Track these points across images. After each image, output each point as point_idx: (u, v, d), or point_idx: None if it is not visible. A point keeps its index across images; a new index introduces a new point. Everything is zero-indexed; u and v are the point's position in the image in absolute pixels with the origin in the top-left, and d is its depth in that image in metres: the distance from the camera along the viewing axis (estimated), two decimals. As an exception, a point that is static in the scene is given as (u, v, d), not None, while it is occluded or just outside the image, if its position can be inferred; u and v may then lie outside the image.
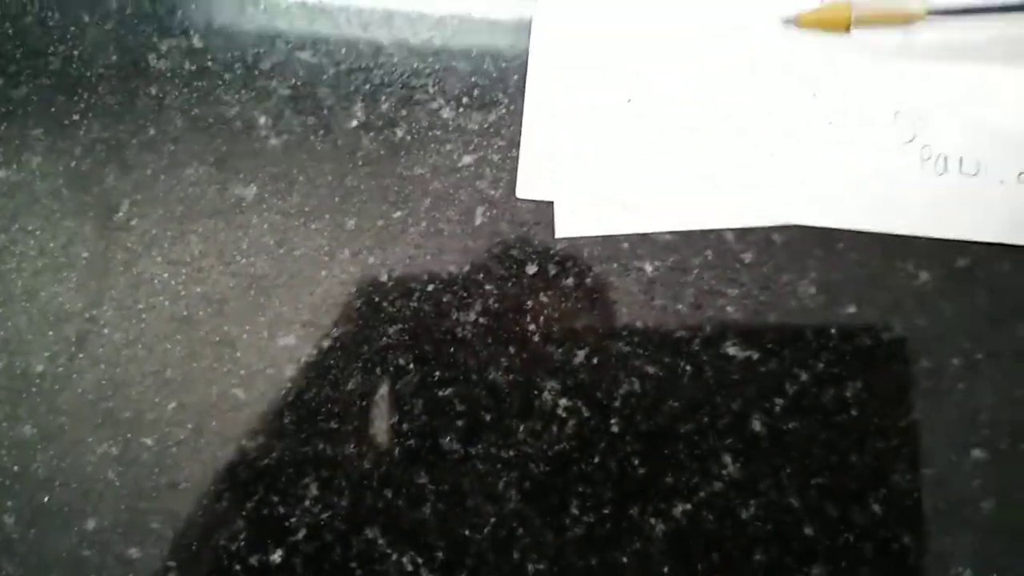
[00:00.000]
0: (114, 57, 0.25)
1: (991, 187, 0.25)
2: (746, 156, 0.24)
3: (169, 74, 0.25)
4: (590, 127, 0.25)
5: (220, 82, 0.25)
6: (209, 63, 0.25)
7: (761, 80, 0.25)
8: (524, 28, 0.24)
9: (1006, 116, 0.25)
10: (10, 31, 0.25)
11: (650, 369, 0.24)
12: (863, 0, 0.24)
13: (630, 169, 0.24)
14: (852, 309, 0.24)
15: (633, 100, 0.24)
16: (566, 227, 0.24)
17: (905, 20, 0.24)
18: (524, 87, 0.24)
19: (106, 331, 0.24)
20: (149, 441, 0.24)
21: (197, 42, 0.25)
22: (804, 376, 0.24)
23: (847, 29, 0.24)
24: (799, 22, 0.24)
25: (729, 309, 0.24)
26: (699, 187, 0.24)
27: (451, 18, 0.25)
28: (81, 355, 0.24)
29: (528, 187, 0.24)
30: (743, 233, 0.24)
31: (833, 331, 0.24)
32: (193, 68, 0.25)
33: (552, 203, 0.24)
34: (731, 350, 0.24)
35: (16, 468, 0.24)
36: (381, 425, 0.24)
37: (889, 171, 0.24)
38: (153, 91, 0.24)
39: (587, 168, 0.24)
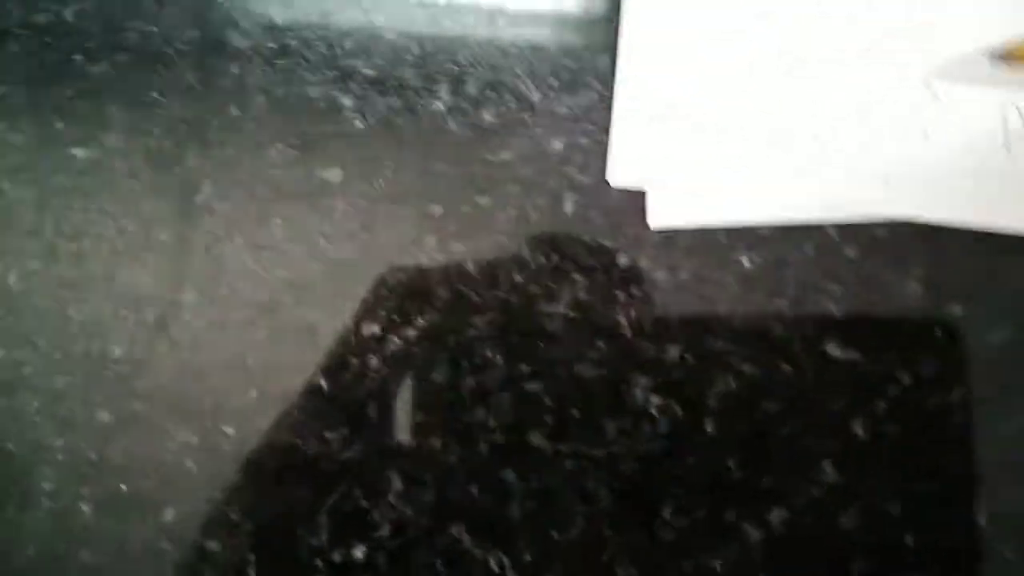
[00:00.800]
0: (194, 33, 0.24)
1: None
2: (851, 147, 0.23)
3: (250, 52, 0.24)
4: (685, 113, 0.24)
5: (303, 61, 0.24)
6: (291, 41, 0.24)
7: (870, 70, 0.23)
8: (616, 10, 0.23)
9: None
10: (87, 6, 0.24)
11: (747, 368, 0.23)
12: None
13: (727, 156, 0.23)
14: (958, 310, 0.23)
15: (731, 86, 0.23)
16: (659, 217, 0.23)
17: None
18: (615, 70, 0.23)
19: (186, 316, 0.24)
20: (229, 430, 0.23)
21: (279, 19, 0.24)
22: (907, 379, 0.23)
23: None
24: (1007, 56, 0.22)
25: (831, 307, 0.23)
26: (801, 177, 0.23)
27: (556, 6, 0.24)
28: (160, 340, 0.24)
29: (620, 174, 0.24)
30: (846, 227, 0.23)
31: (938, 332, 0.23)
32: (275, 46, 0.24)
33: (645, 192, 0.23)
34: (832, 350, 0.23)
35: (92, 455, 0.23)
36: (466, 419, 0.23)
37: (1001, 165, 0.23)
38: (234, 69, 0.24)
39: (681, 155, 0.24)
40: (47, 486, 0.24)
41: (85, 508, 0.24)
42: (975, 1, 0.24)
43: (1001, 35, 0.23)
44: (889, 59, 0.24)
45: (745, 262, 0.23)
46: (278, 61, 0.24)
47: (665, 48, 0.24)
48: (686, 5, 0.24)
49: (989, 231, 0.23)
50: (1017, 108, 0.24)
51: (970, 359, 0.23)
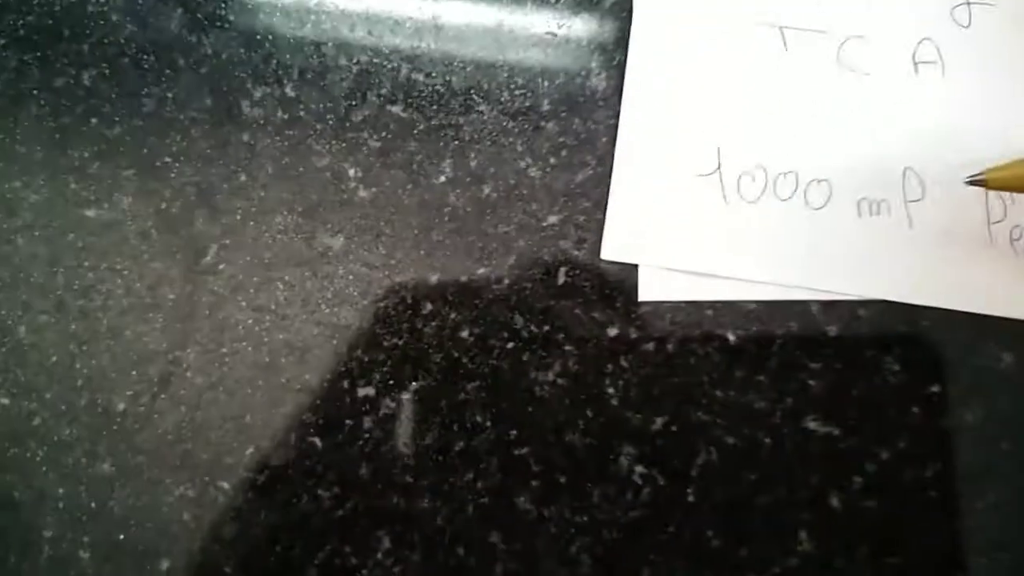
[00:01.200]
0: (208, 101, 0.25)
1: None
2: (836, 227, 0.25)
3: (262, 121, 0.25)
4: (677, 192, 0.26)
5: (311, 132, 0.25)
6: (301, 113, 0.25)
7: (852, 148, 0.25)
8: (616, 93, 0.25)
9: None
10: (106, 71, 0.26)
11: (729, 440, 0.24)
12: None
13: (716, 236, 0.25)
14: (935, 388, 0.24)
15: (721, 167, 0.24)
16: (650, 291, 0.25)
17: None
18: (613, 150, 0.25)
19: (188, 374, 0.25)
20: (226, 485, 0.24)
21: (290, 91, 0.25)
22: (885, 454, 0.24)
23: None
24: (988, 184, 0.24)
25: (811, 383, 0.24)
26: (787, 256, 0.25)
27: (544, 76, 0.25)
28: (163, 396, 0.25)
29: (613, 249, 0.25)
30: (829, 306, 0.24)
31: (915, 409, 0.24)
32: (285, 117, 0.25)
33: (636, 266, 0.24)
34: (812, 424, 0.24)
35: (93, 504, 0.25)
36: (455, 481, 0.24)
37: (977, 250, 0.24)
38: (245, 138, 0.25)
39: (673, 233, 0.25)
40: (48, 533, 0.25)
41: (84, 555, 0.25)
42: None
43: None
44: (876, 149, 0.25)
45: (730, 336, 0.25)
46: (287, 131, 0.25)
47: (660, 133, 0.25)
48: (682, 95, 0.25)
49: (963, 312, 0.24)
50: (1001, 199, 0.25)
51: (945, 437, 0.24)
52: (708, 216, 0.26)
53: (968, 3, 0.27)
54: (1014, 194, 0.26)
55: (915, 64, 0.27)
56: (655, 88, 0.26)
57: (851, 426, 0.25)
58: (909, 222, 0.26)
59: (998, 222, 0.26)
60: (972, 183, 0.24)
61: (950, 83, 0.26)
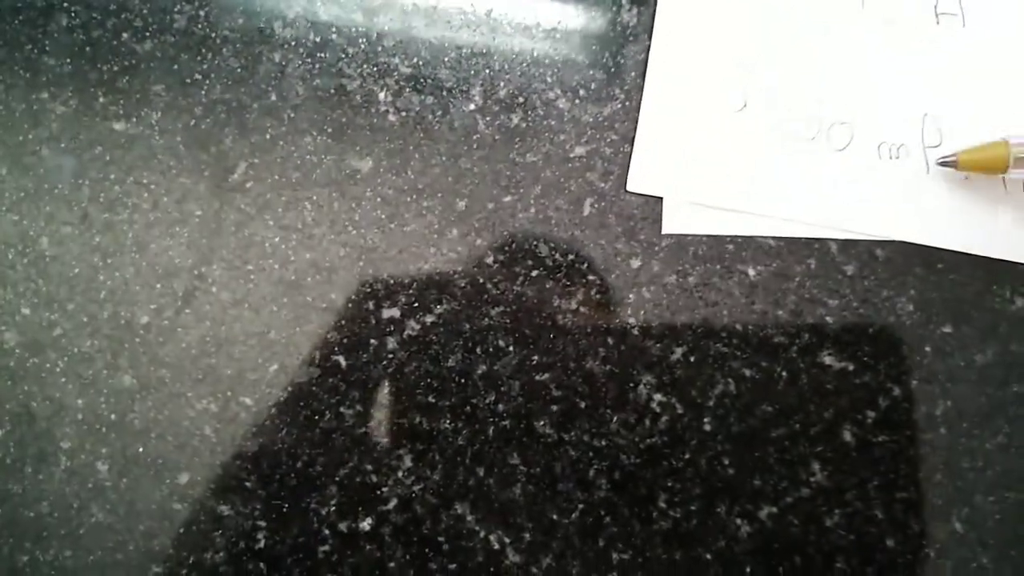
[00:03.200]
0: (240, 21, 0.26)
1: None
2: (856, 168, 0.25)
3: (293, 43, 0.26)
4: (704, 128, 0.26)
5: (343, 55, 0.26)
6: (333, 35, 0.25)
7: (874, 92, 0.25)
8: (645, 30, 0.25)
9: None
10: (138, -13, 0.26)
11: (746, 372, 0.25)
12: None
13: (740, 172, 0.26)
14: (948, 329, 0.25)
15: (748, 105, 0.25)
16: (673, 223, 0.25)
17: None
18: (641, 84, 0.25)
19: (214, 289, 0.25)
20: (248, 401, 0.24)
21: (322, 14, 0.25)
22: (897, 391, 0.25)
23: (1004, 170, 0.25)
24: (959, 164, 0.25)
25: (828, 319, 0.25)
26: (807, 195, 0.25)
27: (575, 10, 0.25)
28: (187, 310, 0.25)
29: (639, 182, 0.25)
30: (847, 245, 0.25)
31: (928, 349, 0.25)
32: (317, 39, 0.26)
33: (661, 199, 0.25)
34: (827, 359, 0.25)
35: (113, 416, 0.25)
36: (477, 403, 0.24)
37: (991, 197, 0.25)
38: (276, 58, 0.25)
39: (698, 168, 0.26)
40: (66, 445, 0.25)
41: (102, 467, 0.25)
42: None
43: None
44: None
45: (750, 272, 0.25)
46: (319, 54, 0.25)
47: (690, 67, 0.26)
48: (712, 28, 0.26)
49: (978, 256, 0.25)
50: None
51: (956, 376, 0.25)
52: (733, 152, 0.26)
53: None
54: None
55: (937, 15, 0.27)
56: (685, 24, 0.27)
57: (865, 362, 0.26)
58: (927, 167, 0.27)
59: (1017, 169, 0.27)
60: (943, 164, 0.25)
61: (969, 34, 0.27)
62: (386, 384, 0.26)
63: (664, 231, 0.26)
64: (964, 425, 0.26)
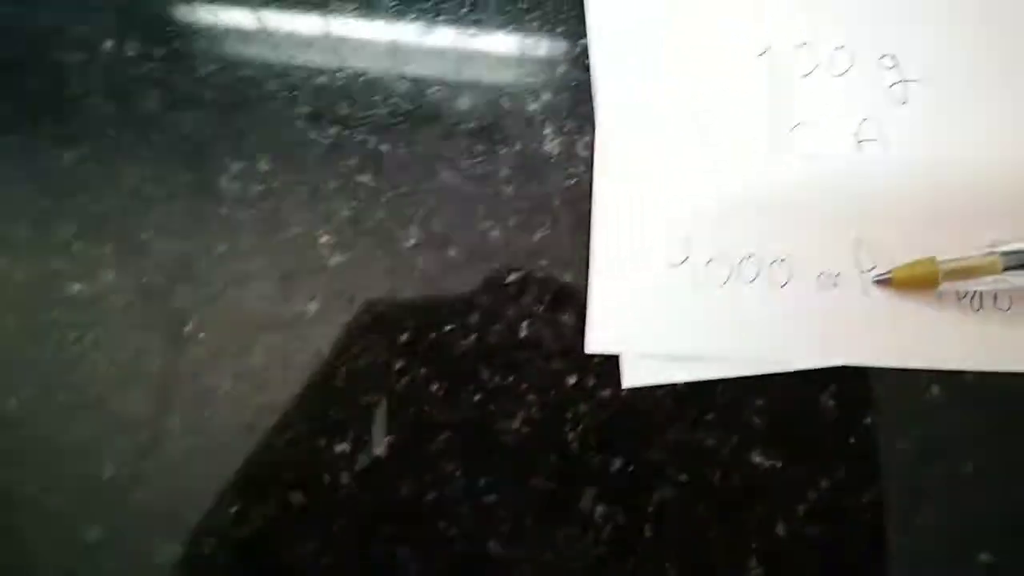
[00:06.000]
0: (186, 177, 0.27)
1: None
2: (797, 303, 0.27)
3: (238, 194, 0.27)
4: (652, 282, 0.28)
5: (286, 203, 0.27)
6: (276, 185, 0.27)
7: (807, 225, 0.28)
8: (567, 158, 0.27)
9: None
10: (86, 151, 0.28)
11: (682, 477, 0.26)
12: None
13: (691, 321, 0.28)
14: (869, 420, 0.26)
15: (690, 256, 0.28)
16: (632, 377, 0.27)
17: (989, 272, 0.26)
18: (565, 210, 0.27)
19: (173, 439, 0.26)
20: (213, 541, 0.25)
21: (264, 165, 0.27)
22: (824, 483, 0.26)
23: (936, 284, 0.27)
24: (894, 282, 0.27)
25: (756, 420, 0.26)
26: (756, 334, 0.27)
27: (502, 144, 0.27)
28: (149, 461, 0.26)
29: (597, 343, 0.28)
30: (767, 348, 0.27)
31: (852, 440, 0.26)
32: (261, 188, 0.27)
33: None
34: (757, 458, 0.26)
35: (79, 570, 0.25)
36: (431, 528, 0.25)
37: (927, 311, 0.28)
38: (223, 211, 0.27)
39: (651, 323, 0.28)
40: (38, 599, 0.26)
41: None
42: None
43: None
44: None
45: (678, 384, 0.27)
46: (263, 203, 0.27)
47: (633, 227, 0.28)
48: (651, 189, 0.28)
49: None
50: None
51: (879, 464, 0.26)
52: (682, 303, 0.28)
53: (904, 81, 0.29)
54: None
55: (858, 143, 0.29)
56: (623, 187, 0.28)
57: (793, 458, 0.28)
58: (864, 291, 0.28)
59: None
60: (879, 282, 0.27)
61: (891, 157, 0.29)
62: (341, 518, 0.27)
63: (624, 386, 0.27)
64: (890, 509, 0.27)
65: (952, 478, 0.28)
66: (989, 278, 0.27)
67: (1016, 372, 0.28)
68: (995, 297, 0.29)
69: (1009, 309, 0.29)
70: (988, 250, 0.27)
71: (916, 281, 0.27)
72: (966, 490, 0.27)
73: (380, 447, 0.26)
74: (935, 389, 0.28)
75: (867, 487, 0.28)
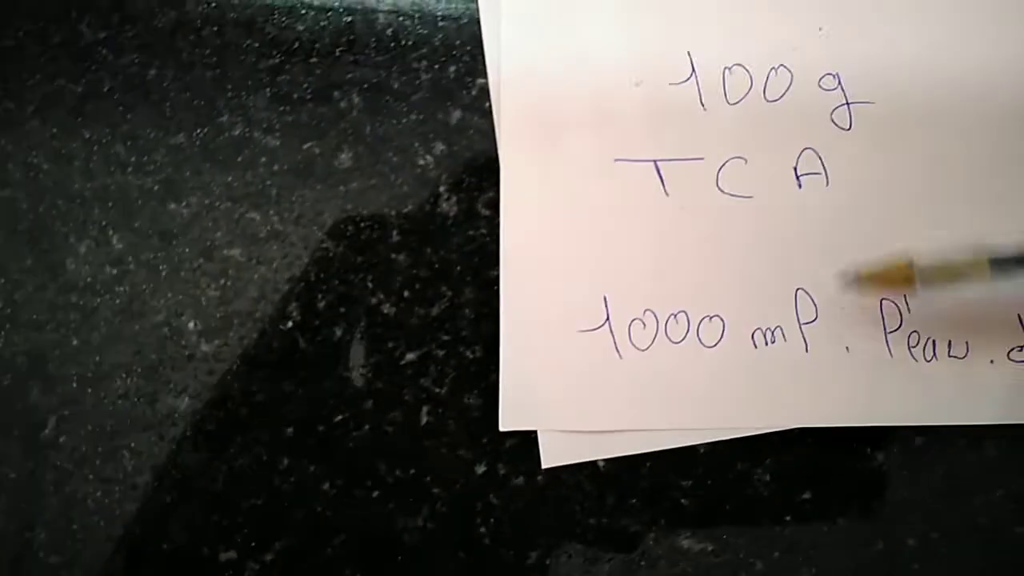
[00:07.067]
0: (29, 262, 0.23)
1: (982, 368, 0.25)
2: (731, 364, 0.25)
3: (90, 279, 0.23)
4: (569, 353, 0.25)
5: (144, 286, 0.23)
6: (131, 266, 0.23)
7: (740, 275, 0.25)
8: (466, 218, 0.24)
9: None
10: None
11: (605, 567, 0.24)
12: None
13: (614, 391, 0.25)
14: (807, 495, 0.24)
15: (610, 317, 0.25)
16: (553, 456, 0.25)
17: (972, 277, 0.22)
18: (467, 279, 0.24)
19: (40, 554, 0.24)
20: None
21: (117, 243, 0.24)
22: (759, 565, 0.24)
23: (911, 288, 0.23)
24: (860, 281, 0.23)
25: (683, 501, 0.24)
26: (685, 402, 0.25)
27: (390, 205, 0.24)
28: (14, 580, 0.23)
29: (511, 419, 0.25)
30: (696, 422, 0.24)
31: (788, 518, 0.24)
32: (114, 272, 0.24)
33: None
34: (686, 542, 0.24)
35: None
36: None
37: (877, 363, 0.25)
38: (73, 299, 0.23)
39: (569, 395, 0.25)
40: None
41: None
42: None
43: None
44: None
45: (600, 462, 0.24)
46: (118, 287, 0.24)
47: (545, 291, 0.24)
48: (562, 245, 0.24)
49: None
50: (896, 306, 0.25)
51: (818, 543, 0.24)
52: (603, 372, 0.25)
53: (848, 103, 0.25)
54: (908, 301, 0.25)
55: (798, 177, 0.25)
56: (533, 243, 0.25)
57: (725, 541, 0.26)
58: (805, 346, 0.25)
59: (895, 331, 0.25)
60: (848, 285, 0.23)
61: (835, 192, 0.25)
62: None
63: (544, 466, 0.25)
64: (831, 589, 0.26)
65: (894, 555, 0.26)
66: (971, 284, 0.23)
67: (970, 426, 0.26)
68: (949, 344, 0.26)
69: (966, 357, 0.26)
70: (973, 251, 0.22)
71: (888, 280, 0.23)
72: (911, 568, 0.26)
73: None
74: (879, 456, 0.26)
75: (804, 569, 0.26)
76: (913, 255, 0.23)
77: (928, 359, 0.26)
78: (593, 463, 0.25)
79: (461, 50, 0.25)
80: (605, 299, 0.25)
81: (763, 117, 0.26)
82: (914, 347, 0.26)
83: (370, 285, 0.25)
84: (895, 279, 0.23)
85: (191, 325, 0.25)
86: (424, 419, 0.25)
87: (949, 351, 0.26)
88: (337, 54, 0.25)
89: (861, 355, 0.25)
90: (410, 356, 0.25)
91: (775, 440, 0.25)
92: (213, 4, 0.25)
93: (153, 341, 0.25)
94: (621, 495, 0.25)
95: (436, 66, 0.25)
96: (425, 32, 0.26)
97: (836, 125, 0.26)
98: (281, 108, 0.25)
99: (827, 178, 0.26)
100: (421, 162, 0.25)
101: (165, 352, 0.25)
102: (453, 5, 0.26)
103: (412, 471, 0.25)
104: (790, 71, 0.26)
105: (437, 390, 0.25)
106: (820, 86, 0.26)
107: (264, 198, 0.25)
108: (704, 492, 0.25)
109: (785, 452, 0.25)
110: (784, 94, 0.26)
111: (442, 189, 0.25)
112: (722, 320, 0.26)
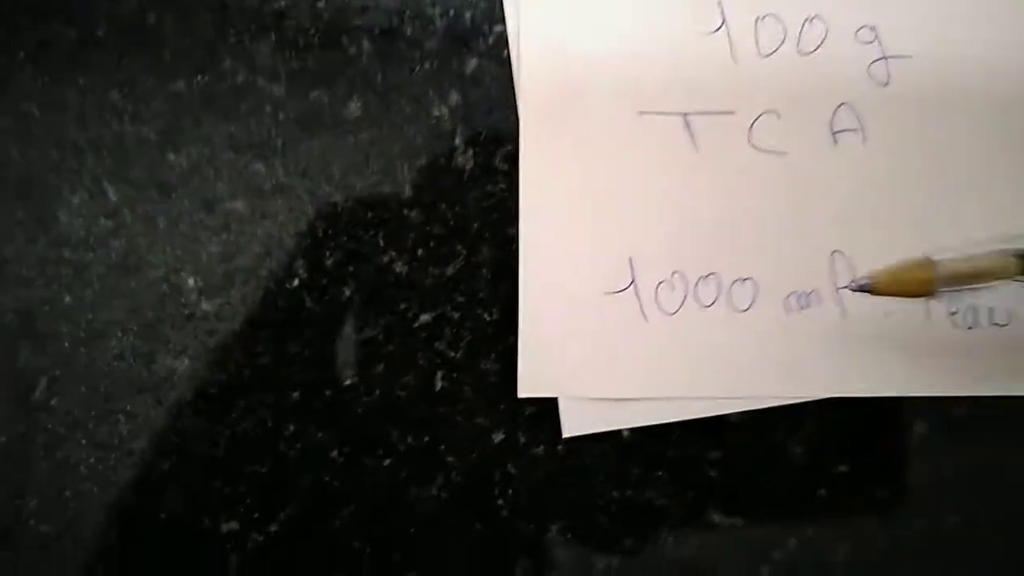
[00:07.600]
0: (19, 214, 0.22)
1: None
2: (763, 330, 0.23)
3: (83, 232, 0.22)
4: (591, 317, 0.23)
5: (142, 239, 0.22)
6: (128, 218, 0.22)
7: (774, 237, 0.23)
8: (483, 172, 0.22)
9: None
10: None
11: (628, 542, 0.22)
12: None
13: (639, 356, 0.23)
14: (843, 468, 0.23)
15: (636, 279, 0.23)
16: (573, 425, 0.23)
17: (1002, 276, 0.21)
18: (485, 235, 0.22)
19: (32, 522, 0.22)
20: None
21: (112, 195, 0.22)
22: (792, 541, 0.23)
23: (932, 292, 0.21)
24: (875, 288, 0.21)
25: (712, 474, 0.23)
26: (714, 368, 0.23)
27: (403, 157, 0.22)
28: (5, 550, 0.22)
29: (529, 385, 0.23)
30: (726, 390, 0.23)
31: (822, 492, 0.23)
32: (110, 224, 0.22)
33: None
34: (715, 517, 0.23)
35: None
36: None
37: (916, 331, 0.23)
38: (66, 253, 0.22)
39: (591, 361, 0.23)
40: None
41: None
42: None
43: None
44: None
45: (624, 432, 0.23)
46: (114, 241, 0.22)
47: (567, 251, 0.23)
48: (586, 201, 0.23)
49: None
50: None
51: (854, 518, 0.23)
52: (628, 337, 0.23)
53: (885, 58, 0.23)
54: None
55: (833, 134, 0.24)
56: (553, 201, 0.23)
57: (756, 516, 0.24)
58: (842, 311, 0.23)
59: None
60: (858, 291, 0.21)
61: (872, 151, 0.23)
62: (233, 608, 0.23)
63: (565, 435, 0.23)
64: (866, 569, 0.24)
65: (934, 534, 0.24)
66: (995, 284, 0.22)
67: (1014, 397, 0.24)
68: (991, 312, 0.25)
69: (1008, 325, 0.25)
70: (998, 249, 0.21)
71: (904, 287, 0.22)
72: (952, 547, 0.24)
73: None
74: (919, 427, 0.24)
75: (839, 546, 0.24)
76: (933, 256, 0.21)
77: (969, 327, 0.25)
78: (617, 432, 0.24)
79: (479, -9, 0.24)
80: (631, 260, 0.24)
81: (797, 70, 0.24)
82: (954, 314, 0.25)
83: (381, 242, 0.24)
84: (914, 282, 0.21)
85: (191, 282, 0.24)
86: (439, 384, 0.24)
87: (991, 319, 0.25)
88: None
89: (900, 322, 0.24)
90: (424, 318, 0.24)
91: (810, 409, 0.24)
92: (215, -57, 0.24)
93: (150, 299, 0.23)
94: (646, 467, 0.24)
95: (451, 11, 0.24)
96: (441, -29, 0.24)
97: (874, 80, 0.25)
98: (287, 54, 0.24)
99: (863, 135, 0.24)
100: (436, 113, 0.24)
101: (163, 310, 0.23)
102: (471, -56, 0.24)
103: (425, 439, 0.24)
104: (825, 22, 0.25)
105: (452, 354, 0.24)
106: (857, 38, 0.25)
107: (269, 149, 0.24)
108: (734, 464, 0.24)
109: (820, 422, 0.24)
110: (819, 47, 0.25)
111: (458, 142, 0.24)
112: (754, 283, 0.24)
